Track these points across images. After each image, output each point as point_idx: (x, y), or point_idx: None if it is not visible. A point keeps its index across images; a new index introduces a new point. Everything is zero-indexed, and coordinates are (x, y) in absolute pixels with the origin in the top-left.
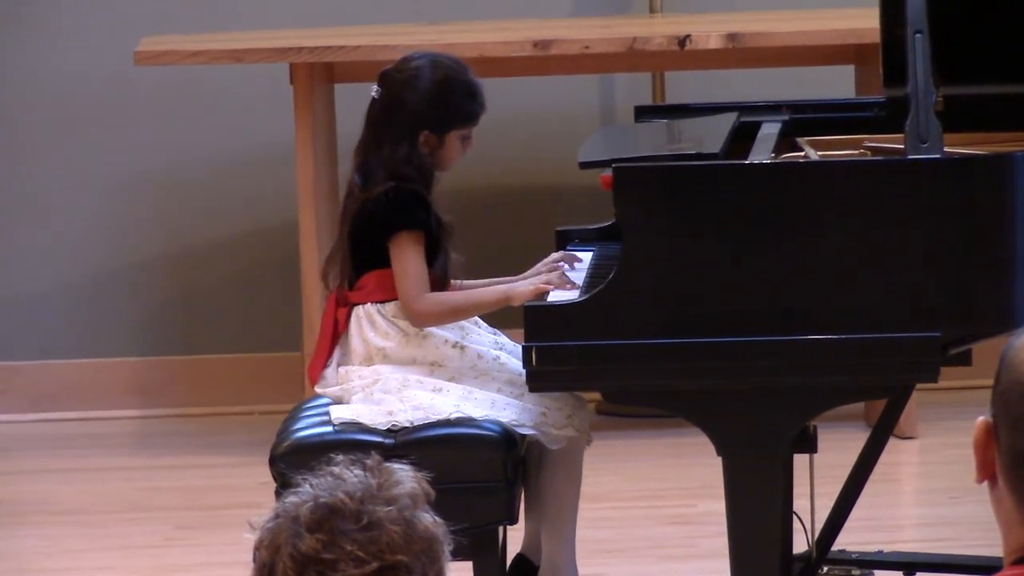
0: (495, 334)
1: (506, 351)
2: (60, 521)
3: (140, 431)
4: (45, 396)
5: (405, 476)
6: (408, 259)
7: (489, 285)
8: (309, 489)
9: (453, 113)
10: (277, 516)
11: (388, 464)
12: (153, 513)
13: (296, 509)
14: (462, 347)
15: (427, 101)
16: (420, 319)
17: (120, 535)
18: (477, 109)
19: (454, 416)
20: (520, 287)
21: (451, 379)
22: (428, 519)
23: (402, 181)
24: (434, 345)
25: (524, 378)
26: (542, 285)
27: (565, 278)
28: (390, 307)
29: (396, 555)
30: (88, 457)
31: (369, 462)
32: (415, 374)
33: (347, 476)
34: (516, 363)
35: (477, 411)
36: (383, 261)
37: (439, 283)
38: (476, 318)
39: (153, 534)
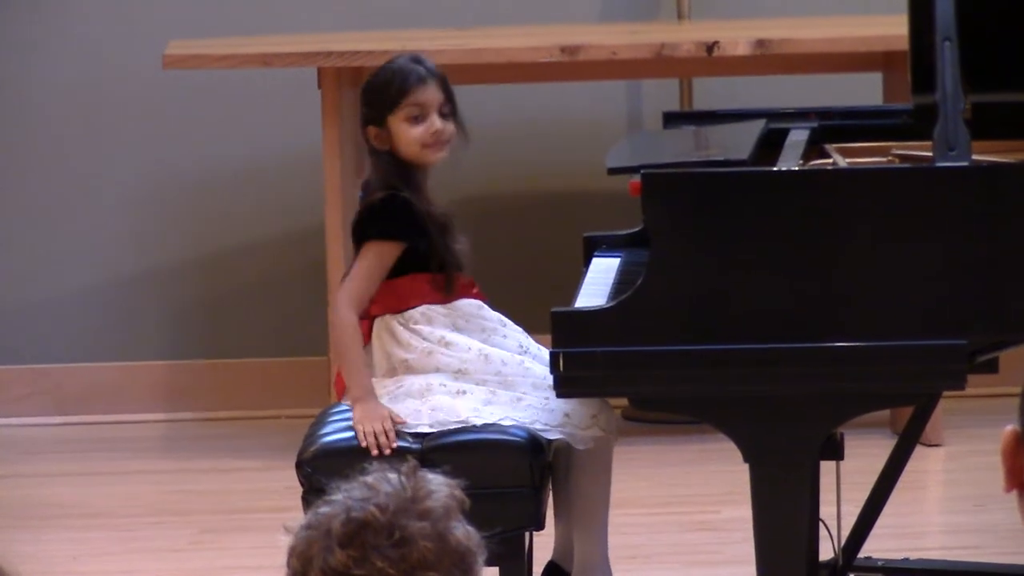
0: (521, 333)
1: (530, 355)
2: (87, 524)
3: (167, 435)
4: (72, 399)
5: (439, 486)
6: (360, 267)
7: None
8: (342, 499)
9: (380, 98)
10: (310, 526)
11: (422, 473)
12: (180, 517)
13: (328, 522)
14: (486, 355)
15: (362, 101)
16: (334, 320)
17: (147, 538)
18: (401, 85)
19: (472, 420)
20: (360, 405)
21: (476, 384)
22: (461, 531)
23: (390, 189)
24: (458, 353)
25: (549, 382)
26: (367, 427)
27: (384, 440)
28: (408, 315)
29: (428, 571)
30: (115, 460)
31: (403, 469)
32: (439, 379)
33: (380, 487)
34: (542, 368)
35: (499, 412)
36: (392, 271)
37: (442, 284)
38: (503, 318)
39: (180, 538)
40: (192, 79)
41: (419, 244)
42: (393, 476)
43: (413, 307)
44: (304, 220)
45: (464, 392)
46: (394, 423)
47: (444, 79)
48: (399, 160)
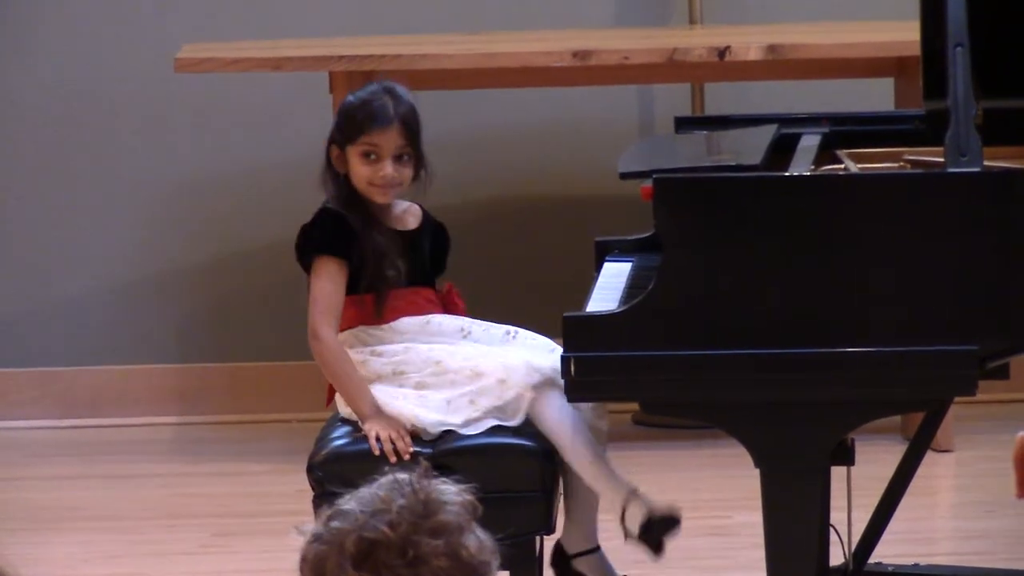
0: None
1: (472, 338)
2: (96, 527)
3: (177, 438)
4: (81, 402)
5: (451, 496)
6: (314, 287)
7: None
8: (355, 512)
9: (344, 126)
10: (322, 540)
11: (434, 482)
12: (190, 520)
13: (342, 538)
14: (419, 351)
15: (335, 118)
16: (316, 348)
17: (156, 542)
18: (362, 122)
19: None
20: (373, 420)
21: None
22: (475, 544)
23: (329, 204)
24: (390, 356)
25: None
26: (382, 433)
27: (401, 446)
28: (343, 339)
29: None
30: (124, 464)
31: (416, 476)
32: (385, 388)
33: (392, 500)
34: (481, 348)
35: (433, 416)
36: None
37: (372, 305)
38: (470, 327)
39: (189, 541)
40: (203, 83)
41: (351, 261)
42: (406, 486)
43: (345, 330)
44: None
45: (421, 402)
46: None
47: (409, 121)
48: (352, 186)
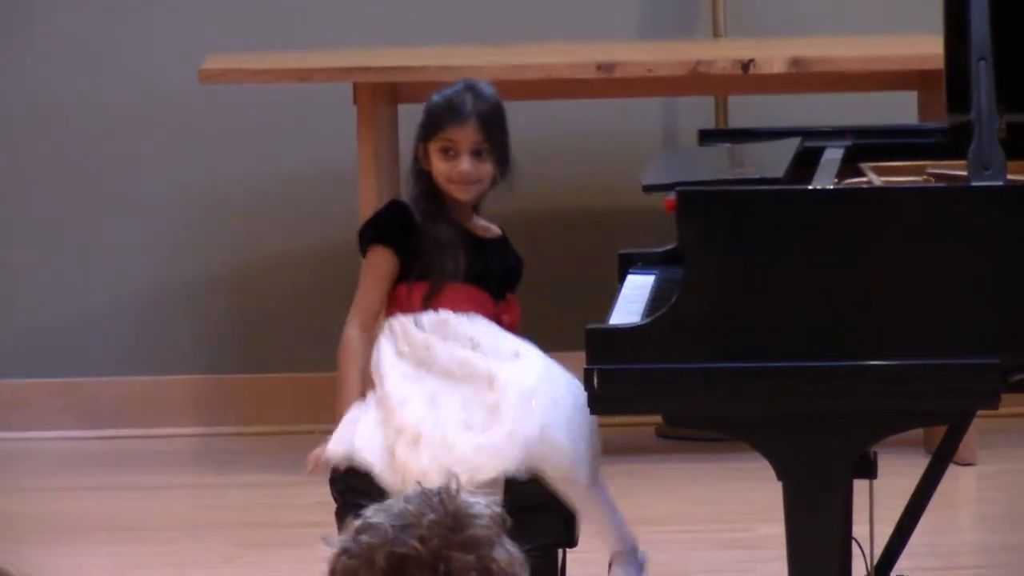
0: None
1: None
2: (120, 538)
3: (200, 449)
4: (105, 413)
5: (481, 509)
6: (361, 276)
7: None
8: (384, 523)
9: (426, 122)
10: (351, 553)
11: (463, 497)
12: (213, 531)
13: (372, 553)
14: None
15: (422, 116)
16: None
17: (180, 552)
18: (440, 117)
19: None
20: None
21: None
22: (505, 557)
23: (410, 196)
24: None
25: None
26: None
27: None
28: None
29: None
30: (148, 474)
31: (443, 495)
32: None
33: (422, 514)
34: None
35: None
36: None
37: (421, 293)
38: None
39: (213, 552)
40: (228, 94)
41: (404, 252)
42: (435, 500)
43: (388, 316)
44: (339, 235)
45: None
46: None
47: (487, 116)
48: (434, 183)
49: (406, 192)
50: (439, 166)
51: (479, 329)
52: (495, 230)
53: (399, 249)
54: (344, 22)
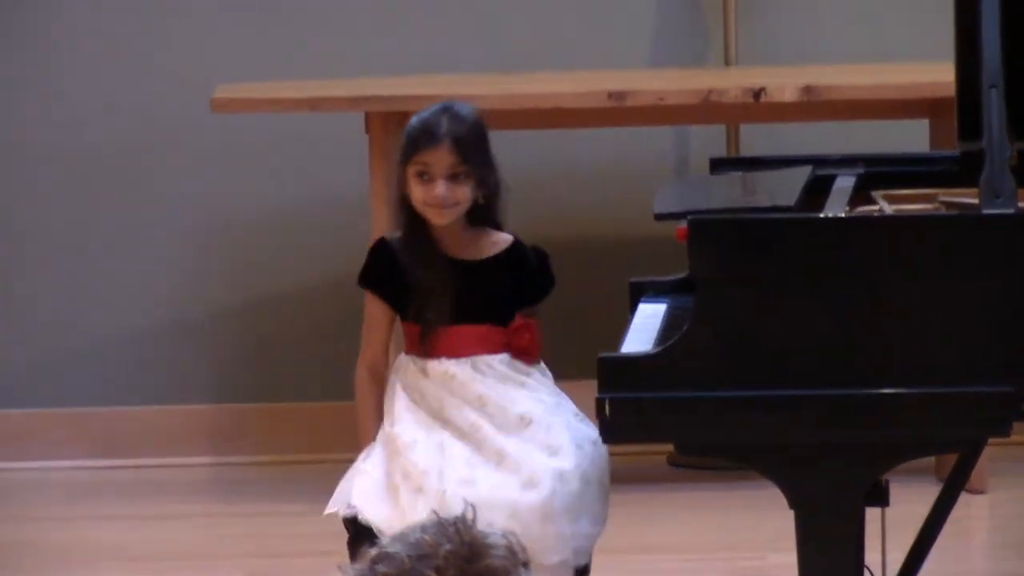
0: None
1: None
2: (133, 568)
3: (213, 478)
4: (118, 442)
5: (497, 540)
6: (364, 318)
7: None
8: (401, 552)
9: (404, 146)
10: None
11: (479, 527)
12: (225, 560)
13: None
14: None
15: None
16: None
17: None
18: (414, 141)
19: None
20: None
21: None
22: None
23: (400, 231)
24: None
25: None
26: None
27: None
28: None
29: None
30: (160, 504)
31: (459, 524)
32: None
33: (439, 544)
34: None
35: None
36: None
37: (417, 337)
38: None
39: None
40: (240, 123)
41: (392, 298)
42: (451, 529)
43: (404, 352)
44: (350, 264)
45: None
46: None
47: (463, 138)
48: (414, 208)
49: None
50: (415, 190)
51: (485, 387)
52: (499, 245)
53: (386, 296)
54: (354, 51)
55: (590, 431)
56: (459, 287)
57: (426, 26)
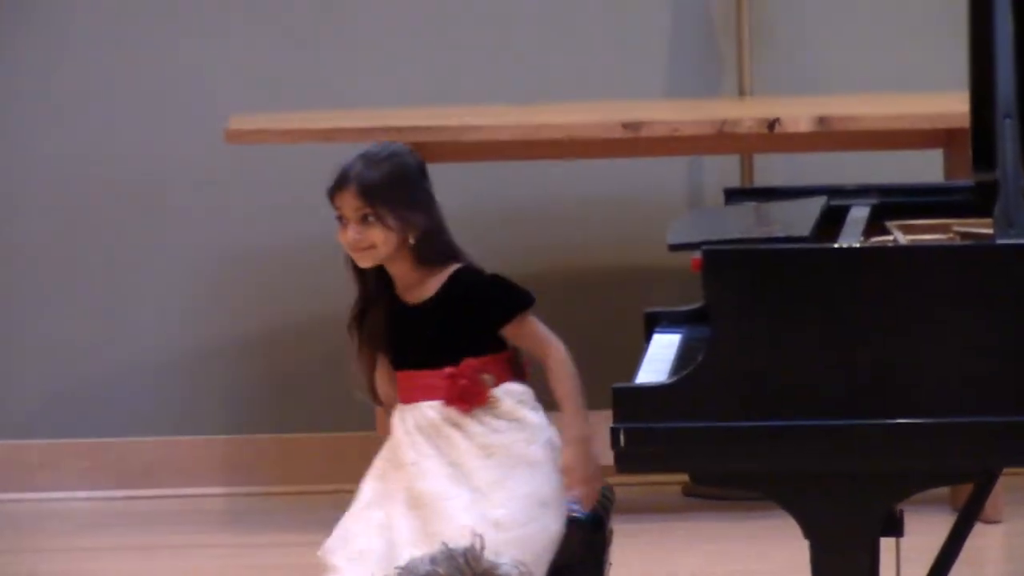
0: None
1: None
2: None
3: (228, 509)
4: (133, 473)
5: (508, 570)
6: None
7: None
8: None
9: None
10: None
11: (489, 558)
12: None
13: None
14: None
15: None
16: None
17: None
18: (330, 186)
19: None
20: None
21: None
22: None
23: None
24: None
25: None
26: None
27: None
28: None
29: None
30: (176, 534)
31: (468, 555)
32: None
33: (448, 573)
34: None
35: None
36: None
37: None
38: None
39: None
40: (255, 154)
41: (365, 344)
42: (460, 559)
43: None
44: None
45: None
46: None
47: (370, 182)
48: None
49: None
50: (339, 234)
51: (414, 452)
52: (441, 276)
53: (361, 342)
54: (369, 82)
55: (496, 512)
56: (401, 332)
57: (440, 57)
